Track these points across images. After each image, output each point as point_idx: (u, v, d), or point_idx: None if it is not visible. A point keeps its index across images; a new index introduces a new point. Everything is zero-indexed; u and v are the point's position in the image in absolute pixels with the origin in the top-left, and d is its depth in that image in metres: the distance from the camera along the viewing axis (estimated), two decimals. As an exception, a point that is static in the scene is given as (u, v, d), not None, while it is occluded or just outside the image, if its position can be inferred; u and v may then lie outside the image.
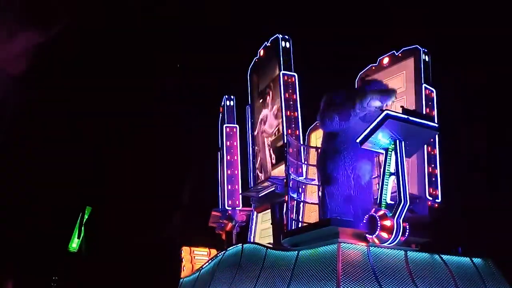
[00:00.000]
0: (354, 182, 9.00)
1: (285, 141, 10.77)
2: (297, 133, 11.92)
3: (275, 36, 12.85)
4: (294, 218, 10.18)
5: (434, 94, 11.38)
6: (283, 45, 12.54)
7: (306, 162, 11.49)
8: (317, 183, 11.50)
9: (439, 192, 10.89)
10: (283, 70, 12.23)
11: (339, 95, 9.46)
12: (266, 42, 13.29)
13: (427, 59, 11.46)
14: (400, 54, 11.88)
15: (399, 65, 11.82)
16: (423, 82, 11.21)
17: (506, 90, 14.55)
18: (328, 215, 8.82)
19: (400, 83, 11.76)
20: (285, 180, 11.24)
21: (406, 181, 8.13)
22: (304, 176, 11.71)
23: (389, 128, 8.07)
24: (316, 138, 13.62)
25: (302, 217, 11.69)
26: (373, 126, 8.06)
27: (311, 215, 12.22)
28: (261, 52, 13.52)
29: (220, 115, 15.31)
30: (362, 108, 9.08)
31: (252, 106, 13.85)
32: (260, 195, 12.97)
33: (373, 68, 12.43)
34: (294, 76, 12.30)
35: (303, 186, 11.53)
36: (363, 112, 9.15)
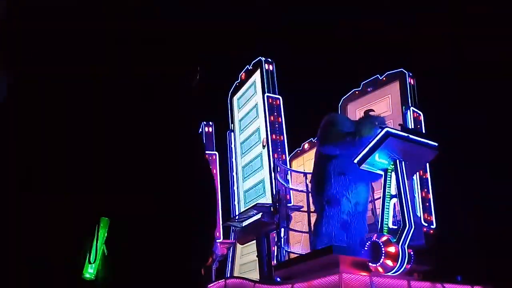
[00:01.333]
0: (353, 207, 8.39)
1: (274, 165, 10.13)
2: (284, 157, 11.28)
3: (257, 59, 12.37)
4: (286, 248, 9.42)
5: (422, 117, 11.19)
6: (266, 67, 12.09)
7: (292, 188, 10.83)
8: (305, 210, 10.95)
9: (433, 218, 10.50)
10: (267, 92, 11.70)
11: (344, 122, 8.93)
12: (248, 66, 12.83)
13: (412, 82, 11.32)
14: (384, 78, 11.76)
15: (383, 89, 11.69)
16: (410, 106, 11.01)
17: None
18: (324, 241, 8.13)
19: (385, 107, 11.57)
20: (272, 208, 10.57)
21: (409, 203, 7.56)
22: (292, 203, 11.04)
23: (390, 147, 7.55)
24: (297, 166, 13.14)
25: (289, 248, 10.98)
26: (372, 145, 7.52)
27: (294, 245, 11.59)
28: (243, 75, 13.04)
29: None
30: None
31: (233, 131, 13.24)
32: (243, 225, 12.18)
33: (357, 92, 12.20)
34: (279, 98, 11.78)
35: (291, 214, 10.83)
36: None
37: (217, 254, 12.85)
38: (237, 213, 12.54)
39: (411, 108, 11.04)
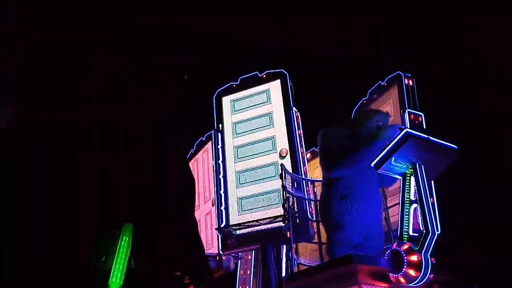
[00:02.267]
0: (363, 228, 7.92)
1: (282, 172, 9.67)
2: (305, 169, 11.25)
3: (279, 71, 12.48)
4: (296, 260, 8.92)
5: (422, 118, 10.82)
6: (289, 83, 12.26)
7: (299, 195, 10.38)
8: (314, 219, 10.49)
9: (438, 224, 10.10)
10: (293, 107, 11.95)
11: (340, 136, 8.48)
12: (256, 72, 12.67)
13: (411, 83, 10.99)
14: (385, 83, 11.52)
15: (386, 94, 11.42)
16: (407, 107, 10.63)
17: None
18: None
19: (390, 112, 11.28)
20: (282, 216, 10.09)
21: (431, 209, 7.11)
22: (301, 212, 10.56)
23: (409, 149, 7.12)
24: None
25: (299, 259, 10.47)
26: (391, 146, 7.09)
27: (300, 257, 11.10)
28: (250, 82, 12.77)
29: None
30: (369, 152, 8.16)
31: (222, 133, 12.62)
32: (239, 233, 11.64)
33: (365, 101, 11.91)
34: (297, 113, 12.04)
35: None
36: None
37: (228, 267, 12.25)
38: (226, 218, 11.85)
39: (408, 110, 10.73)
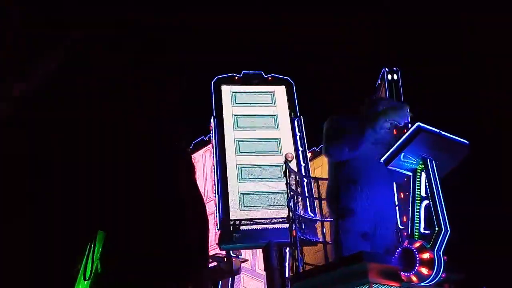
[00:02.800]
0: (374, 215, 7.71)
1: (286, 169, 9.48)
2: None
3: (285, 78, 12.74)
4: (302, 259, 8.69)
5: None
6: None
7: (307, 195, 10.19)
8: (319, 219, 10.29)
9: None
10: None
11: (345, 120, 8.32)
12: (261, 72, 12.68)
13: (395, 77, 10.87)
14: (380, 82, 11.49)
15: (378, 93, 11.33)
16: None
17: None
18: (345, 255, 7.43)
19: None
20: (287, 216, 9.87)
21: (443, 205, 6.91)
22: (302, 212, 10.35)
23: (420, 144, 6.93)
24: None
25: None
26: (402, 141, 6.89)
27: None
28: (254, 79, 12.65)
29: None
30: (373, 133, 7.97)
31: (220, 120, 12.39)
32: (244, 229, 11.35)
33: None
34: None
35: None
36: (374, 136, 8.04)
37: (236, 269, 11.97)
38: (228, 211, 11.51)
39: None
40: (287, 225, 9.98)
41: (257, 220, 10.90)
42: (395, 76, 10.35)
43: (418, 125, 6.82)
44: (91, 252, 14.53)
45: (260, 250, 11.51)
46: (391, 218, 8.00)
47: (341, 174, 8.06)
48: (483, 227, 12.41)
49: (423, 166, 7.20)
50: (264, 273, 11.58)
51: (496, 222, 12.25)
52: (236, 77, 12.68)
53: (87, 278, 14.97)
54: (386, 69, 10.66)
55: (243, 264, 12.40)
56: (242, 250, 13.08)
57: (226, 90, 12.56)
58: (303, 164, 11.75)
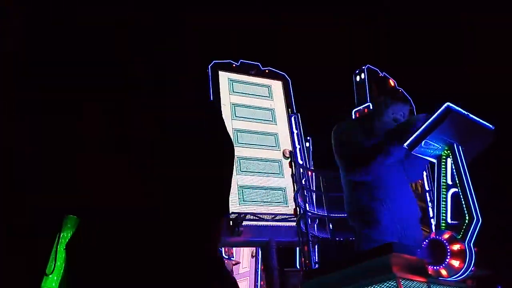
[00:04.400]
0: (398, 223, 7.02)
1: (295, 169, 8.94)
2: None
3: (282, 73, 12.76)
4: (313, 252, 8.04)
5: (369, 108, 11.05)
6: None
7: (314, 190, 9.63)
8: (325, 214, 9.70)
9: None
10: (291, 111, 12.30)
11: (356, 133, 7.63)
12: (258, 64, 12.65)
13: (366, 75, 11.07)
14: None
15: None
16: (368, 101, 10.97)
17: None
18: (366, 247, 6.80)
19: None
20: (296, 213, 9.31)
21: (473, 193, 6.36)
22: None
23: (449, 125, 6.37)
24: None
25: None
26: (430, 122, 6.31)
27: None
28: (251, 70, 12.37)
29: None
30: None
31: (218, 106, 11.99)
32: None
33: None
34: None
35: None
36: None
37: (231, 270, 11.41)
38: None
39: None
40: (287, 223, 9.47)
41: (259, 216, 10.31)
42: (362, 76, 10.82)
43: (448, 105, 6.26)
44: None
45: (242, 249, 11.37)
46: (417, 230, 7.34)
47: (361, 190, 7.21)
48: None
49: (449, 152, 6.64)
50: (247, 271, 11.75)
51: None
52: (234, 65, 12.33)
53: (48, 273, 14.38)
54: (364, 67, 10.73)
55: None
56: (233, 252, 12.75)
57: (223, 76, 12.21)
58: (301, 162, 11.30)
